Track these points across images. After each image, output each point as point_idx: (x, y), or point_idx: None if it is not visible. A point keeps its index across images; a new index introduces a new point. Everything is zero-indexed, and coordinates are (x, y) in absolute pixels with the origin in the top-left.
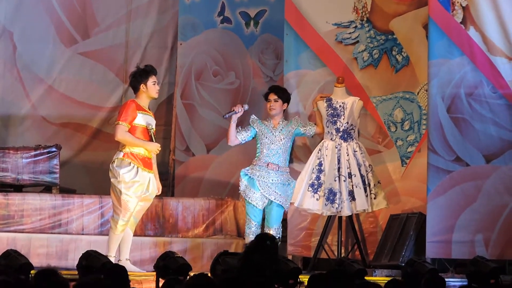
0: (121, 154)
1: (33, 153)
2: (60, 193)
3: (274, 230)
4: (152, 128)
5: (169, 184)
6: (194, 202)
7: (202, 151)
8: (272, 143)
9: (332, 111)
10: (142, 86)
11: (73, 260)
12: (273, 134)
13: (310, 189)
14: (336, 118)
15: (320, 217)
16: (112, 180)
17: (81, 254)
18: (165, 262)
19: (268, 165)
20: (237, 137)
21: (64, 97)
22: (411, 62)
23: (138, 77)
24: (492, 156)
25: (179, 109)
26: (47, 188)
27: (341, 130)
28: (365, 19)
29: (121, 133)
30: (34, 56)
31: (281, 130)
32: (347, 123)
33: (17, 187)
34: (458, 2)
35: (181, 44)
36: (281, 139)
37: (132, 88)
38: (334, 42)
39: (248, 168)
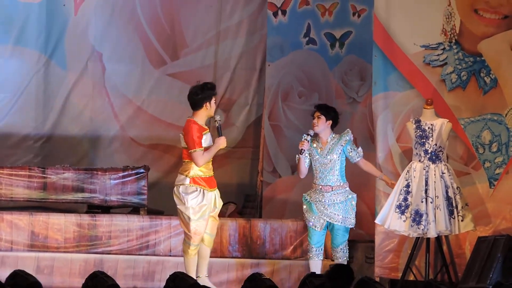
0: (187, 180)
1: (121, 174)
2: (148, 215)
3: (340, 249)
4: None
5: (257, 205)
6: (282, 223)
7: (288, 172)
8: (322, 165)
9: (421, 133)
10: (206, 104)
11: (159, 282)
12: (322, 156)
13: (397, 210)
14: (424, 140)
15: (407, 239)
16: (179, 206)
17: (168, 276)
18: (252, 284)
19: (321, 188)
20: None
21: (152, 118)
22: (499, 84)
23: (203, 95)
24: None
25: (267, 130)
26: (135, 210)
27: (429, 151)
28: (453, 41)
29: (201, 158)
30: (123, 77)
31: (330, 149)
32: (436, 144)
33: (105, 208)
34: None
35: (269, 65)
36: (330, 160)
37: (193, 105)
38: (422, 64)
39: (308, 192)
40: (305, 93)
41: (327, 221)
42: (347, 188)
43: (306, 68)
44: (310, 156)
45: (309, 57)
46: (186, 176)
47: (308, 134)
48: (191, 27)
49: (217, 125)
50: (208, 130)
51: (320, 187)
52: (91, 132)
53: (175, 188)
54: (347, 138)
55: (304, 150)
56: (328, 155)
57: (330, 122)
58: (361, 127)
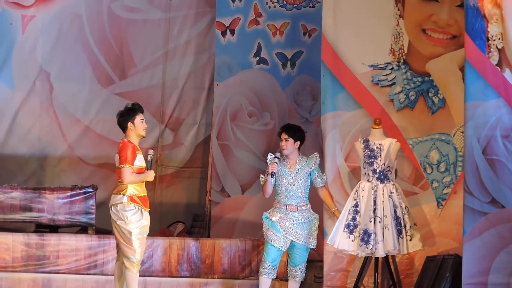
0: (125, 198)
1: (69, 193)
2: (96, 234)
3: (298, 269)
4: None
5: (205, 225)
6: (230, 243)
7: (237, 192)
8: (290, 185)
9: (369, 153)
10: (130, 124)
11: None
12: (290, 176)
13: (346, 230)
14: (373, 160)
15: (356, 259)
16: (119, 222)
17: None
18: None
19: (287, 207)
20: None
21: (100, 138)
22: (447, 104)
23: (125, 116)
24: None
25: (215, 150)
26: (83, 229)
27: (377, 171)
28: (401, 60)
29: (128, 176)
30: (71, 96)
31: (298, 170)
32: (384, 164)
33: (53, 228)
34: (494, 44)
35: (217, 84)
36: (298, 181)
37: (121, 127)
38: (370, 84)
39: (269, 210)
40: (255, 112)
41: (291, 240)
42: (311, 209)
43: (256, 88)
44: (277, 175)
45: (260, 77)
46: (124, 195)
47: (275, 157)
48: (139, 47)
49: (149, 158)
50: (141, 152)
51: (286, 206)
52: (39, 151)
53: (112, 208)
54: (317, 161)
55: (274, 173)
56: (297, 176)
57: (298, 143)
58: (314, 147)
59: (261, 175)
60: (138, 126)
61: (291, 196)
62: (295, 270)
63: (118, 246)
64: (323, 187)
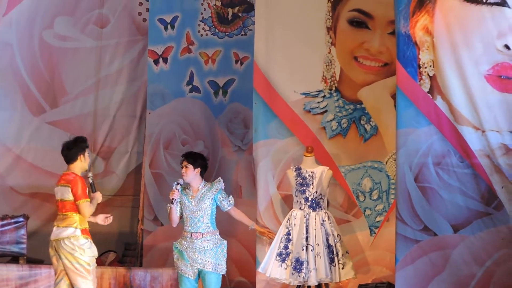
0: (78, 231)
1: None
2: (28, 264)
3: None
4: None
5: (137, 254)
6: (162, 272)
7: None
8: (193, 213)
9: (301, 180)
10: (81, 157)
11: None
12: (192, 203)
13: (278, 258)
14: (305, 187)
15: (289, 287)
16: (76, 254)
17: None
18: None
19: (192, 235)
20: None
21: (32, 167)
22: (379, 132)
23: (77, 148)
24: (459, 225)
25: (147, 178)
26: (14, 259)
27: (310, 199)
28: (333, 88)
29: (88, 209)
30: (2, 125)
31: (200, 198)
32: (316, 192)
33: None
34: (425, 72)
35: (149, 113)
36: (201, 208)
37: (69, 159)
38: (302, 112)
39: (178, 240)
40: (189, 141)
41: (199, 269)
42: (218, 235)
43: (189, 116)
44: (180, 204)
45: (193, 105)
46: (76, 228)
47: (178, 183)
48: (71, 75)
49: (90, 181)
50: None
51: (191, 234)
52: None
53: (65, 241)
54: (219, 186)
55: (175, 200)
56: (199, 203)
57: (198, 170)
58: (246, 175)
59: (168, 204)
60: (87, 159)
61: (195, 223)
62: None
63: (58, 278)
64: (232, 208)
